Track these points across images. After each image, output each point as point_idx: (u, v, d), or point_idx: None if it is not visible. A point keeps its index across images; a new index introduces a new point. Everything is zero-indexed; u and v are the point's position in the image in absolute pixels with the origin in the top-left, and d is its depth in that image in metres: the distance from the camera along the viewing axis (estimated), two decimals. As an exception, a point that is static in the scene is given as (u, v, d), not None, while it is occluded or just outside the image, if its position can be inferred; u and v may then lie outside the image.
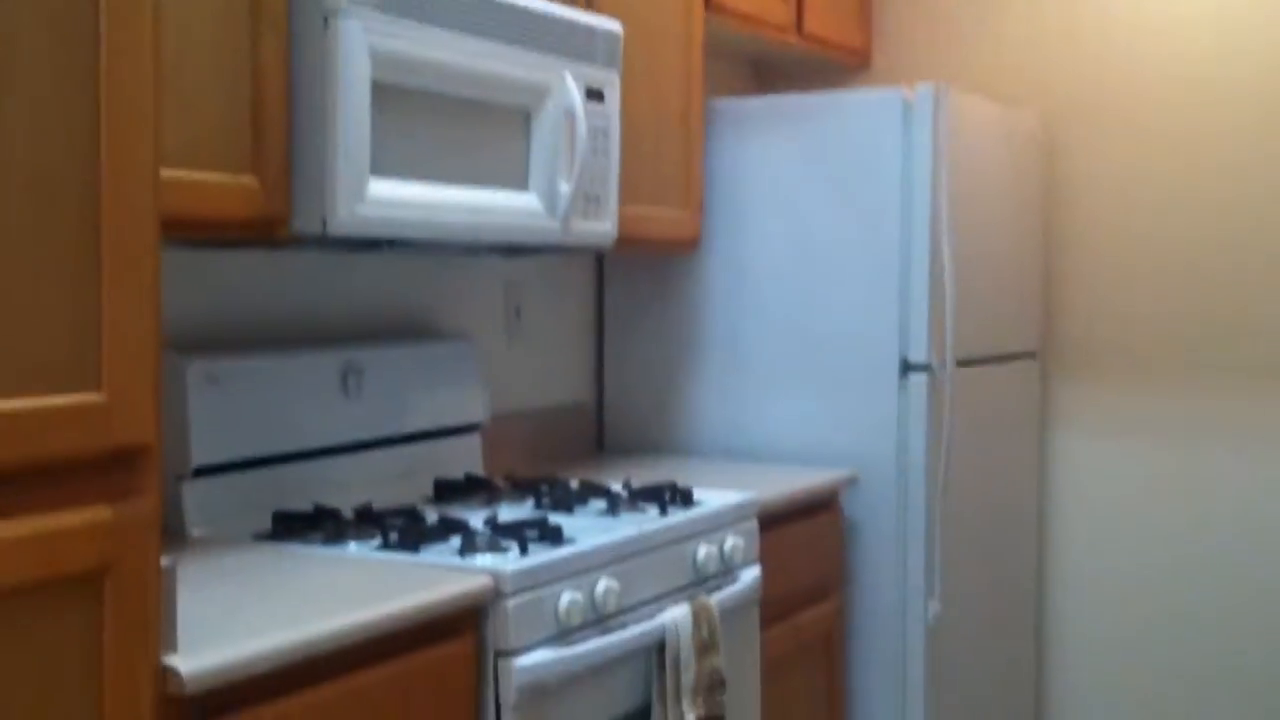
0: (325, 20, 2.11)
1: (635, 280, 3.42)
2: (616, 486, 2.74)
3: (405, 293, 2.88)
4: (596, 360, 3.50)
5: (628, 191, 2.92)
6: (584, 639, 2.17)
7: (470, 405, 2.86)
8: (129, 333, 1.46)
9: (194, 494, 2.29)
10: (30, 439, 1.37)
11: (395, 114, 2.23)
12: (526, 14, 2.46)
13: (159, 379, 1.50)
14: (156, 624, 1.51)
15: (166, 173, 1.90)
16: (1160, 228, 3.70)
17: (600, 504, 2.60)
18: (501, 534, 2.23)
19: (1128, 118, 3.72)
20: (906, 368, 3.12)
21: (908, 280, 3.12)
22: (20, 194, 1.36)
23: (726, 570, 2.60)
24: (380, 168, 2.20)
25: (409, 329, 2.89)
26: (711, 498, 2.67)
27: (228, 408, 2.34)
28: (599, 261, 3.49)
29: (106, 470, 1.46)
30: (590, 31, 2.63)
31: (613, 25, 2.69)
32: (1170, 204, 3.69)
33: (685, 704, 2.33)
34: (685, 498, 2.63)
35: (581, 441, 3.41)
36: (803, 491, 2.92)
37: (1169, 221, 3.69)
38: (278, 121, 2.09)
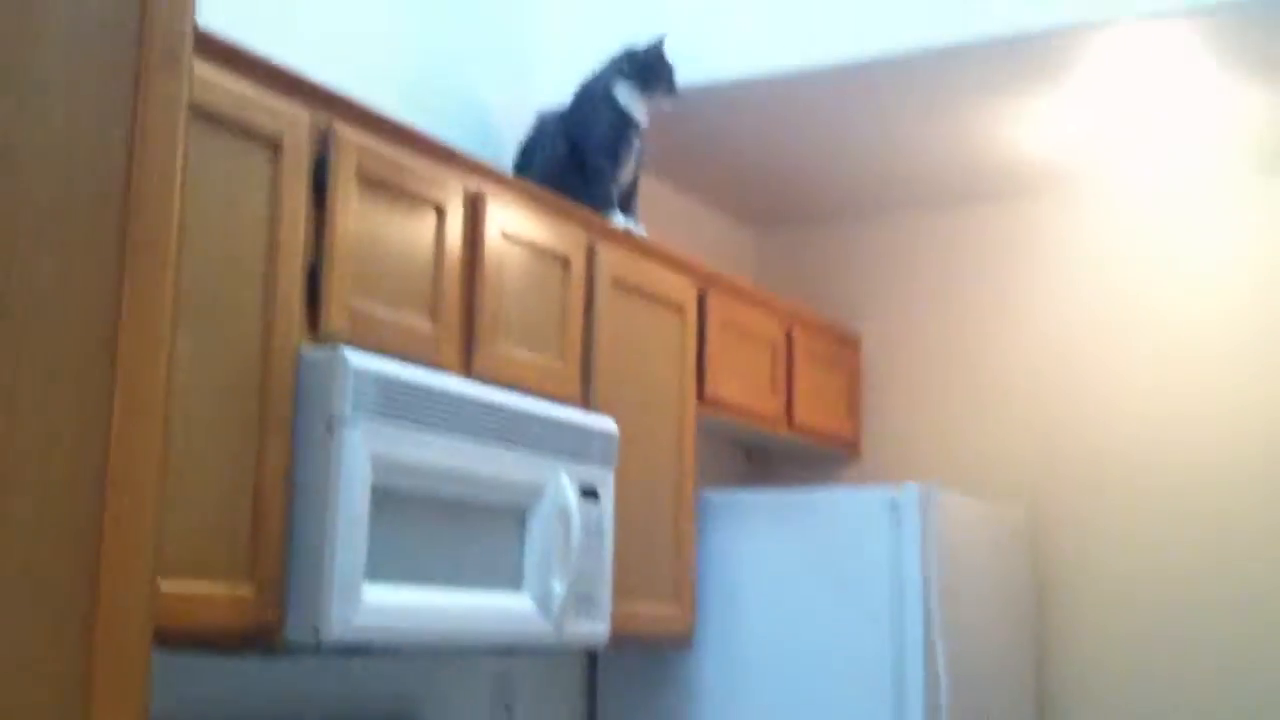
0: (329, 427, 2.13)
1: (627, 677, 3.35)
2: None
3: (393, 690, 2.81)
4: (587, 759, 3.38)
5: (620, 586, 2.90)
6: None
7: (456, 810, 2.75)
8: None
9: None
10: None
11: (392, 518, 2.23)
12: (526, 418, 2.51)
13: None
14: None
15: (161, 582, 1.88)
16: (1149, 623, 3.66)
17: None
18: None
19: (1113, 509, 3.75)
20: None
21: (901, 684, 3.04)
22: (16, 599, 1.34)
23: None
24: (375, 572, 2.19)
25: (396, 727, 2.81)
26: None
27: (206, 817, 2.24)
28: (591, 657, 3.43)
29: None
30: (587, 433, 2.67)
31: (609, 425, 2.74)
32: (1158, 600, 3.66)
33: None
34: None
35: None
36: None
37: (1157, 617, 3.66)
38: (276, 529, 2.09)
